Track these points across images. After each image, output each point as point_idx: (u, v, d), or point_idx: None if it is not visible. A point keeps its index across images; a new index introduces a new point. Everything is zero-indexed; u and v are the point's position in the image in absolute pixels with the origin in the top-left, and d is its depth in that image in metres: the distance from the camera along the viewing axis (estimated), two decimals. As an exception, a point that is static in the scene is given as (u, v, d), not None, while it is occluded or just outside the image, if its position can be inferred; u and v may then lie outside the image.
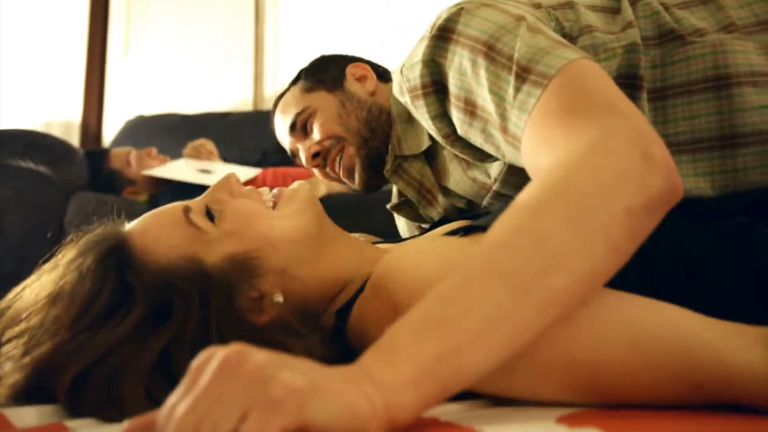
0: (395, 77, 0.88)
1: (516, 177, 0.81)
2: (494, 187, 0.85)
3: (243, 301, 0.65)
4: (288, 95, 1.08)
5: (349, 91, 1.03)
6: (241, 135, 2.61)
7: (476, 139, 0.74)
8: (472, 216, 0.82)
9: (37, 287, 0.66)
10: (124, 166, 2.25)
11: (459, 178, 0.91)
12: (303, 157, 1.04)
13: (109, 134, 3.12)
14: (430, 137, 0.90)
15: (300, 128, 1.04)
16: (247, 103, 2.99)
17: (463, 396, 0.56)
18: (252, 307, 0.66)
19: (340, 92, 1.03)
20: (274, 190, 0.76)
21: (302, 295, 0.70)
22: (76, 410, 0.61)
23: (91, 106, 3.15)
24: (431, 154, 0.94)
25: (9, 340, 0.63)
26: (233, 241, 0.68)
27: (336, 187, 1.92)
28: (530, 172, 0.64)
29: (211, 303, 0.62)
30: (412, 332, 0.46)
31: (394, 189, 1.11)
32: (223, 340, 0.59)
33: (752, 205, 0.72)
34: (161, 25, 3.18)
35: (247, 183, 2.10)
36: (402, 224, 1.16)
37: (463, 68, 0.72)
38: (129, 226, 0.70)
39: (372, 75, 1.06)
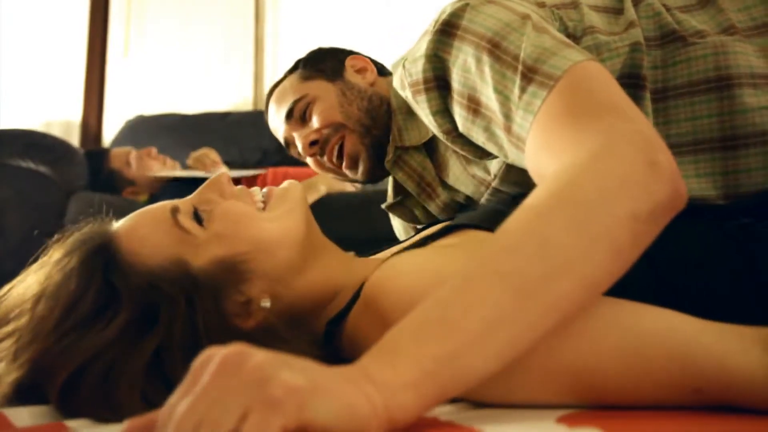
0: (397, 71, 0.87)
1: (515, 174, 0.81)
2: (493, 184, 0.85)
3: (230, 305, 0.65)
4: (285, 84, 1.06)
5: (349, 80, 1.02)
6: (241, 135, 2.61)
7: (478, 137, 0.74)
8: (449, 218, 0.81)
9: (23, 287, 0.65)
10: (123, 166, 2.25)
11: (458, 173, 0.91)
12: (300, 145, 1.02)
13: (109, 134, 3.12)
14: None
15: (298, 116, 1.02)
16: (247, 103, 2.99)
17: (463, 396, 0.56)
18: (239, 311, 0.65)
19: (340, 81, 1.02)
20: (264, 189, 0.74)
21: (291, 300, 0.69)
22: (70, 414, 0.60)
23: (91, 106, 3.15)
24: (432, 147, 0.94)
25: (1, 341, 0.63)
26: (222, 245, 0.66)
27: (336, 187, 1.92)
28: (533, 174, 0.63)
29: (197, 307, 0.62)
30: (413, 333, 0.46)
31: (389, 189, 1.10)
32: (212, 344, 0.59)
33: (754, 206, 0.72)
34: (161, 25, 3.18)
35: (249, 181, 2.10)
36: (397, 224, 1.15)
37: (467, 65, 0.71)
38: (116, 225, 0.69)
39: (372, 67, 1.06)
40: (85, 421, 0.59)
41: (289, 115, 1.02)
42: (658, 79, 0.76)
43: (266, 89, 2.97)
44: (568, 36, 0.76)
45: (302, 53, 1.10)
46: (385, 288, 0.59)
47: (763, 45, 0.76)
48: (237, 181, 2.10)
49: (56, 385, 0.59)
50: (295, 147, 1.05)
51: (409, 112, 0.92)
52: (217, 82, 3.05)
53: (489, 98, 0.69)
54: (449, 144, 0.81)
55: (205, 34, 3.11)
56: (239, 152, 2.55)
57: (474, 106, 0.72)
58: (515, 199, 0.69)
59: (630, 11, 0.80)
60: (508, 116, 0.67)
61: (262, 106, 2.94)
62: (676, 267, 0.62)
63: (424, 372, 0.44)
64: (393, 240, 1.14)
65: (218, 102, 2.96)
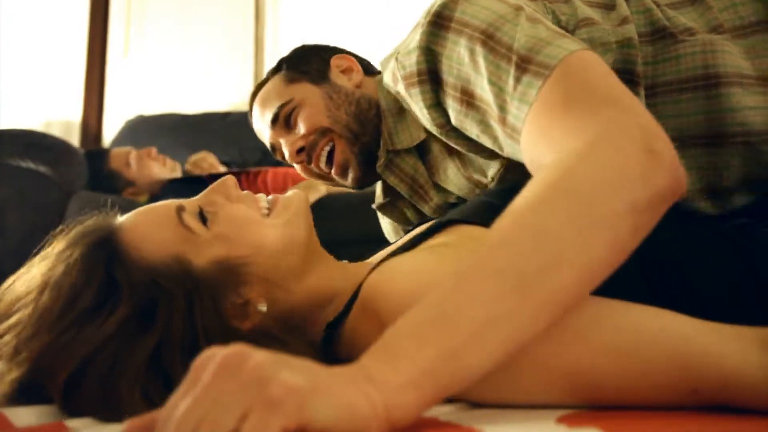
0: (389, 65, 0.86)
1: (513, 176, 0.80)
2: (490, 186, 0.85)
3: (228, 305, 0.65)
4: (269, 86, 1.03)
5: (335, 83, 0.99)
6: (241, 135, 2.60)
7: (472, 129, 0.73)
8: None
9: (27, 279, 0.65)
10: (123, 166, 2.24)
11: (453, 175, 0.90)
12: (287, 152, 1.00)
13: (109, 134, 3.12)
14: (425, 130, 0.88)
15: (283, 121, 0.99)
16: (247, 103, 2.98)
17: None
18: (237, 313, 0.66)
19: (326, 84, 0.98)
20: (270, 197, 0.75)
21: (288, 305, 0.69)
22: (73, 412, 0.60)
23: (91, 106, 3.15)
24: (424, 150, 0.92)
25: (2, 335, 0.63)
26: (223, 246, 0.67)
27: (336, 187, 1.92)
28: (529, 165, 0.63)
29: (196, 305, 0.62)
30: (411, 332, 0.46)
31: (378, 189, 1.09)
32: (210, 342, 0.59)
33: (751, 205, 0.72)
34: (161, 25, 3.18)
35: (250, 180, 2.10)
36: (386, 224, 1.14)
37: (460, 57, 0.70)
38: (120, 219, 0.69)
39: (357, 67, 1.02)
40: (86, 421, 0.59)
41: (275, 121, 0.99)
42: (648, 75, 0.76)
43: (266, 89, 2.96)
44: (561, 29, 0.76)
45: (302, 53, 1.08)
46: (382, 291, 0.59)
47: (748, 46, 0.76)
48: (237, 175, 2.11)
49: (58, 383, 0.59)
50: (281, 152, 1.02)
51: (400, 113, 0.91)
52: (217, 82, 3.05)
53: (483, 90, 0.68)
54: (444, 138, 0.80)
55: (205, 34, 3.11)
56: (239, 152, 2.55)
57: (468, 99, 0.71)
58: (504, 192, 0.68)
59: (622, 6, 0.80)
60: (502, 107, 0.66)
61: (262, 106, 2.95)
62: (674, 268, 0.62)
63: (423, 371, 0.44)
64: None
65: (218, 102, 2.95)
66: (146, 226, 0.67)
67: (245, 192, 0.74)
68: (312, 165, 0.99)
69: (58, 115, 3.14)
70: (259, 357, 0.42)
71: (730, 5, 0.79)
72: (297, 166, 1.02)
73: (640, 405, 0.52)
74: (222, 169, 2.33)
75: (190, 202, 0.70)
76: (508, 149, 0.70)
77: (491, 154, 0.80)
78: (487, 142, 0.73)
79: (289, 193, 0.76)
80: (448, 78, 0.72)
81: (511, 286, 0.47)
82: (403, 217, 1.04)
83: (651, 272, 0.61)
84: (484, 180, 0.85)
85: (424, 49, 0.74)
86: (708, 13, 0.79)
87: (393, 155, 0.94)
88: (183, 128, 2.76)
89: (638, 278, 0.60)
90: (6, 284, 0.67)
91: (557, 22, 0.77)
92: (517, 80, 0.64)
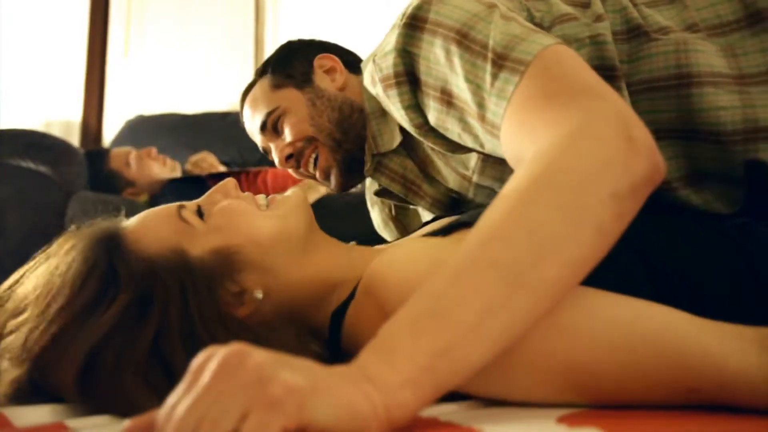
0: (367, 67, 0.87)
1: (491, 168, 0.82)
2: (473, 179, 0.85)
3: (224, 293, 0.66)
4: (256, 90, 1.04)
5: (319, 87, 1.00)
6: (241, 135, 2.59)
7: (454, 128, 0.74)
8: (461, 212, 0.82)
9: (33, 277, 0.67)
10: (123, 166, 2.25)
11: (442, 168, 0.91)
12: (276, 158, 1.03)
13: (109, 134, 3.12)
14: (401, 130, 0.89)
15: (271, 128, 1.01)
16: (247, 103, 2.98)
17: (463, 396, 0.56)
18: (233, 300, 0.67)
19: (309, 89, 1.00)
20: (269, 197, 0.77)
21: (287, 294, 0.70)
22: (84, 406, 0.61)
23: (91, 106, 3.15)
24: (410, 146, 0.93)
25: (10, 333, 0.64)
26: (219, 236, 0.69)
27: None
28: (510, 160, 0.64)
29: (190, 292, 0.63)
30: (408, 329, 0.46)
31: (368, 181, 1.11)
32: (207, 331, 0.61)
33: (750, 204, 0.72)
34: (161, 25, 3.18)
35: (250, 180, 2.10)
36: (376, 218, 1.15)
37: (436, 57, 0.71)
38: (125, 221, 0.71)
39: (341, 67, 1.02)
40: (86, 421, 0.59)
41: (263, 128, 1.02)
42: (624, 73, 0.76)
43: (266, 89, 2.96)
44: (536, 26, 0.76)
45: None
46: (382, 276, 0.60)
47: (725, 45, 0.76)
48: (237, 175, 2.11)
49: (69, 379, 0.60)
50: (272, 156, 1.05)
51: (383, 115, 0.91)
52: (217, 82, 3.05)
53: (460, 89, 0.69)
54: (421, 138, 0.81)
55: (205, 34, 3.11)
56: (239, 152, 2.55)
57: (447, 98, 0.72)
58: None
59: (597, 5, 0.81)
60: (481, 105, 0.67)
61: (262, 106, 2.95)
62: (674, 267, 0.62)
63: (421, 367, 0.45)
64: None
65: (218, 102, 2.96)
66: (147, 223, 0.70)
67: (246, 193, 0.76)
68: (301, 170, 1.03)
69: (58, 115, 3.14)
70: (259, 357, 0.42)
71: (709, 4, 0.79)
72: (290, 170, 1.05)
73: (639, 402, 0.52)
74: (222, 169, 2.34)
75: (191, 203, 0.72)
76: (489, 146, 0.71)
77: (468, 150, 0.81)
78: (468, 141, 0.74)
79: (288, 191, 0.77)
80: (427, 79, 0.73)
81: (504, 279, 0.48)
82: (401, 199, 1.04)
83: (652, 271, 0.61)
84: (467, 173, 0.86)
85: (401, 51, 0.74)
86: (684, 12, 0.79)
87: (380, 157, 0.95)
88: (183, 128, 2.76)
89: (640, 277, 0.60)
90: (9, 282, 0.68)
91: (531, 18, 0.78)
92: (494, 77, 0.65)
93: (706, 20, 0.78)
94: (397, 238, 1.06)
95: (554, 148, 0.54)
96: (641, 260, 0.61)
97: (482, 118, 0.67)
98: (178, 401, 0.41)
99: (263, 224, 0.71)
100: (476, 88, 0.67)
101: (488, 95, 0.65)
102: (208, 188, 0.75)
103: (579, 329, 0.52)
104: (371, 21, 2.79)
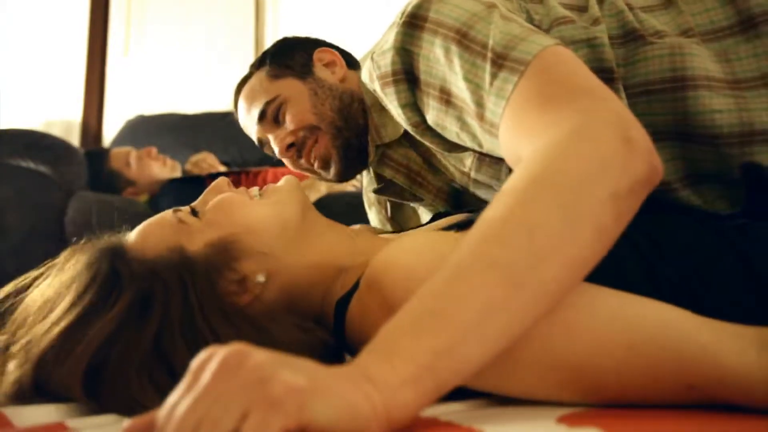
0: (366, 64, 0.87)
1: (488, 167, 0.82)
2: (471, 175, 0.86)
3: (226, 284, 0.67)
4: (253, 81, 1.02)
5: (320, 78, 0.99)
6: (241, 135, 2.60)
7: (452, 127, 0.74)
8: (471, 210, 0.82)
9: (40, 289, 0.68)
10: (123, 166, 2.25)
11: (443, 162, 0.91)
12: (276, 147, 1.01)
13: (109, 134, 3.12)
14: None
15: (271, 118, 0.99)
16: (247, 103, 2.98)
17: (463, 396, 0.56)
18: (235, 289, 0.68)
19: (310, 79, 0.99)
20: (264, 187, 0.78)
21: (289, 279, 0.71)
22: (91, 405, 0.61)
23: (91, 105, 3.15)
24: (413, 138, 0.91)
25: (19, 340, 0.65)
26: (214, 229, 0.70)
27: (336, 187, 1.92)
28: (509, 159, 0.64)
29: (189, 286, 0.64)
30: (408, 329, 0.47)
31: (365, 180, 1.10)
32: (208, 323, 0.62)
33: (749, 205, 0.73)
34: (161, 25, 3.18)
35: (250, 180, 2.10)
36: (374, 218, 1.15)
37: (435, 56, 0.71)
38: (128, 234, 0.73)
39: (340, 60, 1.03)
40: (86, 421, 0.59)
41: (262, 117, 1.00)
42: (621, 76, 0.77)
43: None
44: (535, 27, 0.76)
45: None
46: (387, 269, 0.60)
47: (718, 50, 0.76)
48: (237, 175, 2.11)
49: (74, 380, 0.61)
50: (269, 147, 1.03)
51: (384, 108, 0.90)
52: (217, 82, 3.05)
53: (459, 88, 0.69)
54: (418, 137, 0.82)
55: (205, 34, 3.11)
56: (239, 152, 2.55)
57: (446, 97, 0.72)
58: None
59: (594, 8, 0.81)
60: (479, 104, 0.67)
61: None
62: (674, 267, 0.62)
63: (421, 367, 0.45)
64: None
65: (218, 102, 2.96)
66: (145, 231, 0.71)
67: (240, 189, 0.77)
68: (302, 160, 1.01)
69: (58, 115, 3.14)
70: (259, 356, 0.42)
71: (703, 10, 0.79)
72: (287, 161, 1.04)
73: (637, 400, 0.52)
74: (222, 169, 2.34)
75: (187, 206, 0.74)
76: (488, 145, 0.71)
77: (464, 149, 0.81)
78: (466, 140, 0.74)
79: (281, 180, 0.78)
80: (426, 77, 0.73)
81: (504, 279, 0.48)
82: (401, 197, 1.04)
83: (652, 271, 0.61)
84: (465, 170, 0.87)
85: (399, 50, 0.75)
86: (680, 17, 0.80)
87: (384, 148, 0.95)
88: (183, 128, 2.77)
89: (640, 277, 0.60)
90: (10, 286, 0.70)
91: (531, 20, 0.78)
92: (493, 76, 0.65)
93: (700, 26, 0.79)
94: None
95: (553, 149, 0.54)
96: (641, 259, 0.61)
97: (481, 117, 0.67)
98: (179, 401, 0.41)
99: (257, 211, 0.72)
100: (475, 88, 0.67)
101: (487, 94, 0.66)
102: (208, 188, 0.76)
103: (579, 325, 0.52)
104: (371, 21, 2.79)
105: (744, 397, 0.49)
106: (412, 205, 1.09)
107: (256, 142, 1.06)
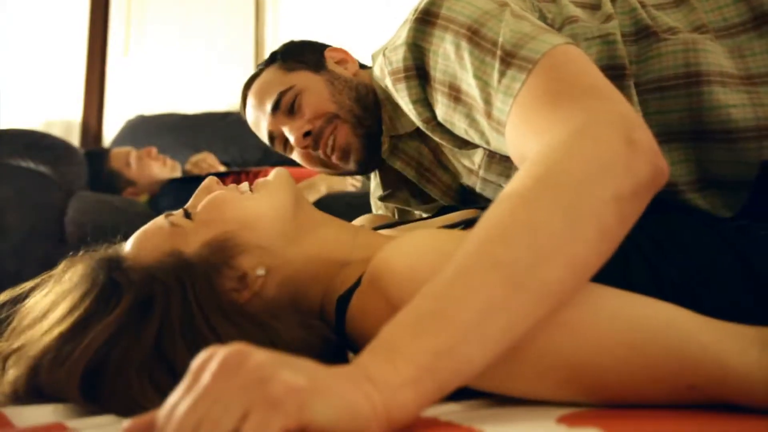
0: (377, 60, 0.87)
1: (496, 165, 0.82)
2: (480, 174, 0.86)
3: (226, 282, 0.67)
4: (265, 76, 1.01)
5: (334, 71, 0.99)
6: (241, 135, 2.60)
7: (461, 124, 0.74)
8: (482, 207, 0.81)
9: (39, 297, 0.69)
10: (123, 166, 2.25)
11: (452, 160, 0.91)
12: (292, 137, 0.97)
13: (109, 134, 3.12)
14: None
15: (285, 108, 0.97)
16: (247, 103, 2.99)
17: (463, 396, 0.56)
18: (236, 286, 0.68)
19: (325, 72, 0.98)
20: (255, 182, 0.78)
21: (288, 274, 0.71)
22: (90, 407, 0.61)
23: (91, 105, 3.15)
24: (424, 133, 0.91)
25: (19, 348, 0.65)
26: (208, 229, 0.70)
27: (336, 187, 1.92)
28: (515, 157, 0.64)
29: (188, 287, 0.64)
30: (409, 329, 0.46)
31: (373, 184, 1.10)
32: (208, 323, 0.62)
33: (749, 206, 0.73)
34: (161, 25, 3.18)
35: (251, 180, 2.11)
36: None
37: (446, 53, 0.72)
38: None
39: (351, 58, 1.03)
40: (86, 422, 0.59)
41: (276, 107, 0.97)
42: (633, 73, 0.76)
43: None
44: (547, 26, 0.76)
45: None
46: (389, 267, 0.60)
47: (732, 46, 0.77)
48: (237, 175, 2.11)
49: (73, 382, 0.61)
50: (280, 141, 1.01)
51: (394, 102, 0.90)
52: (217, 82, 3.05)
53: (469, 85, 0.69)
54: (429, 133, 0.82)
55: (205, 34, 3.11)
56: (239, 152, 2.55)
57: (455, 94, 0.72)
58: None
59: (607, 5, 0.81)
60: (487, 101, 0.67)
61: (262, 106, 2.95)
62: (674, 269, 0.62)
63: (422, 368, 0.44)
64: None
65: (218, 102, 2.96)
66: (140, 239, 0.71)
67: (230, 185, 0.77)
68: (319, 150, 0.98)
69: (58, 115, 3.14)
70: (259, 356, 0.42)
71: (715, 7, 0.80)
72: (298, 154, 1.01)
73: (638, 400, 0.52)
74: (222, 169, 2.34)
75: (179, 209, 0.74)
76: (495, 143, 0.71)
77: (474, 146, 0.81)
78: (475, 137, 0.74)
79: (271, 174, 0.78)
80: (436, 74, 0.74)
81: (506, 279, 0.48)
82: (406, 204, 1.04)
83: (654, 270, 0.61)
84: (474, 168, 0.86)
85: (411, 46, 0.75)
86: (692, 14, 0.80)
87: (396, 140, 0.94)
88: (183, 128, 2.76)
89: (642, 277, 0.60)
90: (8, 293, 0.70)
91: (543, 19, 0.78)
92: (502, 74, 0.65)
93: (713, 22, 0.79)
94: None
95: (556, 149, 0.54)
96: (643, 260, 0.61)
97: (489, 114, 0.68)
98: (179, 401, 0.41)
99: (248, 205, 0.72)
100: (484, 85, 0.67)
101: (495, 92, 0.66)
102: (207, 188, 0.76)
103: (582, 325, 0.52)
104: (371, 21, 2.79)
105: (745, 397, 0.49)
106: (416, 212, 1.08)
107: (265, 138, 1.03)
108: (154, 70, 3.16)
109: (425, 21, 0.74)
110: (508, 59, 0.65)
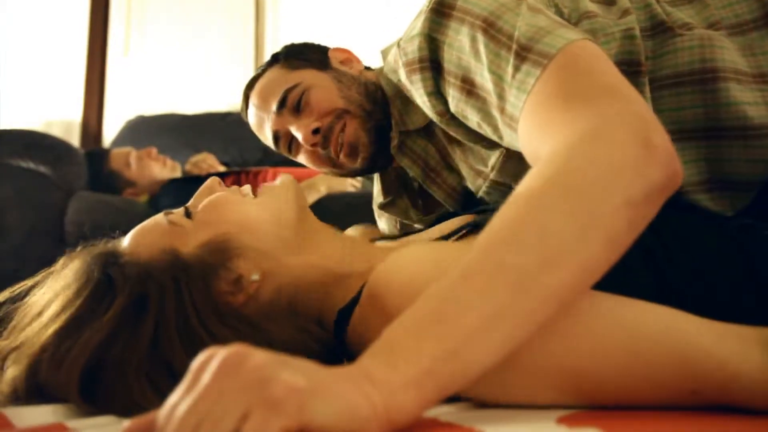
0: (390, 52, 0.86)
1: (513, 164, 0.80)
2: (491, 176, 0.84)
3: (221, 283, 0.67)
4: (269, 76, 0.98)
5: (339, 69, 0.97)
6: (241, 135, 2.60)
7: (473, 117, 0.73)
8: (476, 212, 0.81)
9: (37, 294, 0.68)
10: (123, 167, 2.24)
11: (459, 163, 0.90)
12: (300, 135, 0.94)
13: (109, 134, 3.12)
14: None
15: (292, 105, 0.93)
16: (248, 103, 2.99)
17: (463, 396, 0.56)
18: (231, 289, 0.67)
19: (330, 70, 0.96)
20: (260, 186, 0.77)
21: (286, 281, 0.70)
22: (89, 408, 0.61)
23: (91, 105, 3.15)
24: (432, 133, 0.91)
25: (18, 346, 0.65)
26: (208, 230, 0.69)
27: (336, 187, 1.92)
28: (527, 155, 0.63)
29: (184, 287, 0.64)
30: (412, 331, 0.46)
31: (376, 190, 1.09)
32: (204, 324, 0.62)
33: (753, 205, 0.72)
34: (161, 25, 3.18)
35: (251, 179, 2.10)
36: (384, 226, 1.13)
37: (461, 45, 0.71)
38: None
39: (355, 57, 1.01)
40: (86, 421, 0.59)
41: (282, 105, 0.94)
42: (649, 69, 0.76)
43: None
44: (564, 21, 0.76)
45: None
46: (388, 283, 0.60)
47: (744, 44, 0.76)
48: (237, 174, 2.11)
49: (72, 383, 0.60)
50: (285, 142, 0.98)
51: (405, 98, 0.89)
52: (217, 82, 3.05)
53: (484, 78, 0.68)
54: (443, 126, 0.80)
55: (205, 34, 3.11)
56: (239, 152, 2.55)
57: (468, 87, 0.71)
58: None
59: (623, 0, 0.80)
60: (501, 96, 0.66)
61: (262, 106, 2.95)
62: (676, 267, 0.62)
63: (423, 370, 0.44)
64: (393, 240, 1.14)
65: (218, 102, 2.96)
66: (137, 235, 0.71)
67: (232, 187, 0.77)
68: (329, 148, 0.95)
69: (58, 115, 3.14)
70: (259, 357, 0.42)
71: (727, 4, 0.79)
72: (304, 156, 0.99)
73: (641, 404, 0.52)
74: (222, 169, 2.34)
75: (179, 208, 0.73)
76: (507, 138, 0.70)
77: (490, 144, 0.80)
78: (488, 131, 0.73)
79: (277, 179, 0.77)
80: (449, 66, 0.73)
81: (512, 284, 0.47)
82: (405, 215, 1.03)
83: (654, 272, 0.61)
84: (485, 170, 0.85)
85: (426, 36, 0.74)
86: (705, 11, 0.79)
87: (405, 137, 0.92)
88: (183, 128, 2.76)
89: (641, 278, 0.60)
90: (8, 292, 0.70)
91: (560, 14, 0.77)
92: (516, 69, 0.64)
93: (725, 19, 0.78)
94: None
95: (569, 150, 0.53)
96: (645, 258, 0.61)
97: (502, 109, 0.67)
98: (179, 401, 0.41)
99: (250, 209, 0.72)
100: (498, 79, 0.66)
101: (509, 87, 0.65)
102: (207, 188, 0.76)
103: (582, 332, 0.52)
104: (371, 22, 2.79)
105: (747, 400, 0.49)
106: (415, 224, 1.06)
107: (268, 140, 1.00)
108: (154, 70, 3.16)
109: (440, 12, 0.73)
110: (523, 53, 0.63)
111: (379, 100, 0.93)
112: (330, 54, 1.00)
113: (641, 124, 0.54)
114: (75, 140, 3.05)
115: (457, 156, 0.89)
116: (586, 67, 0.61)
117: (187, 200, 0.75)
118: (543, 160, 0.54)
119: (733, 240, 0.63)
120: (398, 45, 0.81)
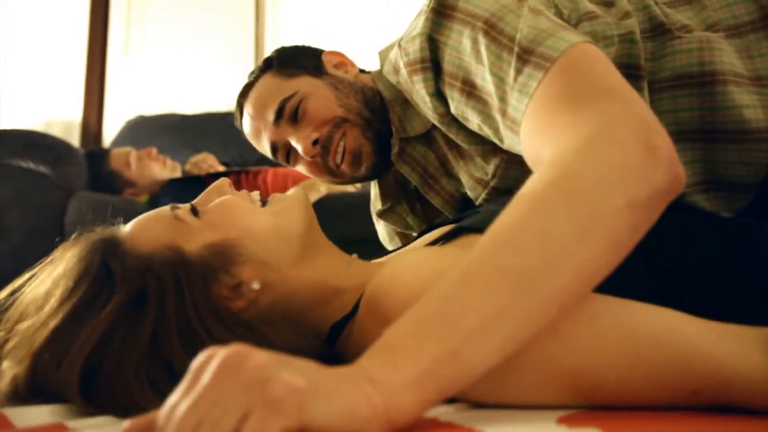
0: (390, 53, 0.85)
1: (514, 171, 0.80)
2: (492, 183, 0.84)
3: (221, 287, 0.66)
4: (263, 84, 0.96)
5: (335, 75, 0.95)
6: (241, 135, 2.61)
7: (473, 119, 0.73)
8: (461, 218, 0.81)
9: (36, 283, 0.67)
10: (123, 167, 2.25)
11: (458, 170, 0.90)
12: (300, 147, 0.93)
13: (109, 134, 3.12)
14: None
15: (289, 116, 0.92)
16: (247, 103, 2.99)
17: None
18: (230, 294, 0.67)
19: (326, 76, 0.94)
20: (271, 195, 0.76)
21: (285, 291, 0.70)
22: (89, 407, 0.61)
23: (91, 105, 3.15)
24: (432, 139, 0.90)
25: (12, 338, 0.64)
26: (214, 231, 0.69)
27: (336, 187, 1.92)
28: (528, 158, 0.63)
29: (184, 286, 0.63)
30: (412, 331, 0.46)
31: (373, 194, 1.08)
32: (203, 324, 0.61)
33: (751, 205, 0.72)
34: (161, 25, 3.18)
35: (251, 180, 2.10)
36: (382, 231, 1.13)
37: (462, 46, 0.70)
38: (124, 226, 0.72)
39: (350, 61, 1.00)
40: (86, 421, 0.59)
41: (279, 116, 0.92)
42: (648, 71, 0.76)
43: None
44: (564, 22, 0.76)
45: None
46: (387, 291, 0.59)
47: (741, 46, 0.76)
48: (237, 174, 2.11)
49: (71, 382, 0.60)
50: (283, 152, 0.96)
51: (405, 102, 0.88)
52: (217, 82, 3.05)
53: (485, 80, 0.68)
54: (443, 128, 0.80)
55: (205, 34, 3.11)
56: (239, 152, 2.55)
57: (468, 89, 0.71)
58: None
59: (623, 2, 0.80)
60: (503, 99, 0.66)
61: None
62: (675, 267, 0.62)
63: (423, 371, 0.44)
64: (393, 240, 1.14)
65: (218, 102, 2.96)
66: (141, 225, 0.70)
67: (241, 191, 0.76)
68: (329, 158, 0.93)
69: (58, 115, 3.14)
70: (259, 357, 0.42)
71: (725, 5, 0.79)
72: (304, 165, 0.97)
73: (641, 405, 0.52)
74: (222, 169, 2.34)
75: (185, 204, 0.72)
76: (508, 141, 0.70)
77: (491, 148, 0.79)
78: (489, 133, 0.73)
79: (290, 191, 0.76)
80: (449, 67, 0.72)
81: (513, 285, 0.47)
82: (403, 223, 1.03)
83: (654, 272, 0.61)
84: (484, 177, 0.85)
85: (427, 36, 0.74)
86: (703, 12, 0.79)
87: (404, 143, 0.91)
88: (183, 128, 2.77)
89: (641, 278, 0.60)
90: (10, 288, 0.69)
91: (560, 15, 0.77)
92: (518, 71, 0.64)
93: (723, 20, 0.78)
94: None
95: (571, 153, 0.53)
96: (644, 261, 0.61)
97: (504, 112, 0.66)
98: (179, 401, 0.41)
99: (260, 219, 0.71)
100: (499, 82, 0.66)
101: (511, 90, 0.64)
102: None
103: (582, 333, 0.52)
104: (371, 22, 2.79)
105: (748, 400, 0.49)
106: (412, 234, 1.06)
107: (265, 149, 0.99)
108: (154, 70, 3.16)
109: (441, 13, 0.72)
110: (525, 56, 0.63)
111: (377, 107, 0.92)
112: (324, 58, 0.98)
113: (643, 126, 0.53)
114: (75, 140, 3.05)
115: (457, 163, 0.89)
116: (588, 69, 0.60)
117: (187, 200, 0.74)
118: (545, 163, 0.54)
119: (731, 240, 0.63)
120: (399, 45, 0.80)
